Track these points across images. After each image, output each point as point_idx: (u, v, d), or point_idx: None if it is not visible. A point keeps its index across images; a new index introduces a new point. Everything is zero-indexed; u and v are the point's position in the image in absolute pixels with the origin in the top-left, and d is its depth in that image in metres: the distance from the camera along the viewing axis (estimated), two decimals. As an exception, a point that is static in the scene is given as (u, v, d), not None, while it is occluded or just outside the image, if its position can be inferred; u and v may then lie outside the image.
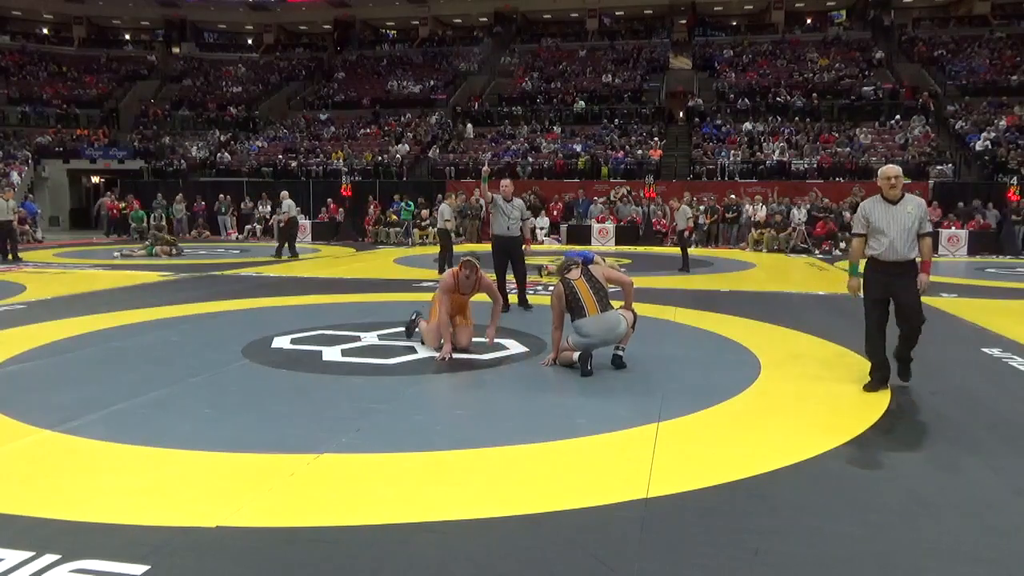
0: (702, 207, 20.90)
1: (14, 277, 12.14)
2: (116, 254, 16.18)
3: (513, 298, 8.90)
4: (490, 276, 7.20)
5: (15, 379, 5.50)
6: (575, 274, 5.86)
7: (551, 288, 6.09)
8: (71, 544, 2.86)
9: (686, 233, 13.90)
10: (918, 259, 5.17)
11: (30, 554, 2.78)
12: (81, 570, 2.68)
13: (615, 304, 5.89)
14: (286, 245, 16.25)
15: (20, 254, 15.22)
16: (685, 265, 13.50)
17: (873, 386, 5.26)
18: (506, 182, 9.01)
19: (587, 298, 5.71)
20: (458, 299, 6.54)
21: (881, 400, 4.95)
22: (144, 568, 2.69)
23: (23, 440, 4.11)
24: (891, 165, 5.39)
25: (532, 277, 12.19)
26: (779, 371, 5.76)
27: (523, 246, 8.87)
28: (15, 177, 26.09)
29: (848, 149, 23.37)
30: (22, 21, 38.70)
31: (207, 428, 4.32)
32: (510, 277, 8.79)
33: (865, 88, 26.75)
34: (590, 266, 6.05)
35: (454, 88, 32.49)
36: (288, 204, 16.38)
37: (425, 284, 11.06)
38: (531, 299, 8.99)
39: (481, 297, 6.69)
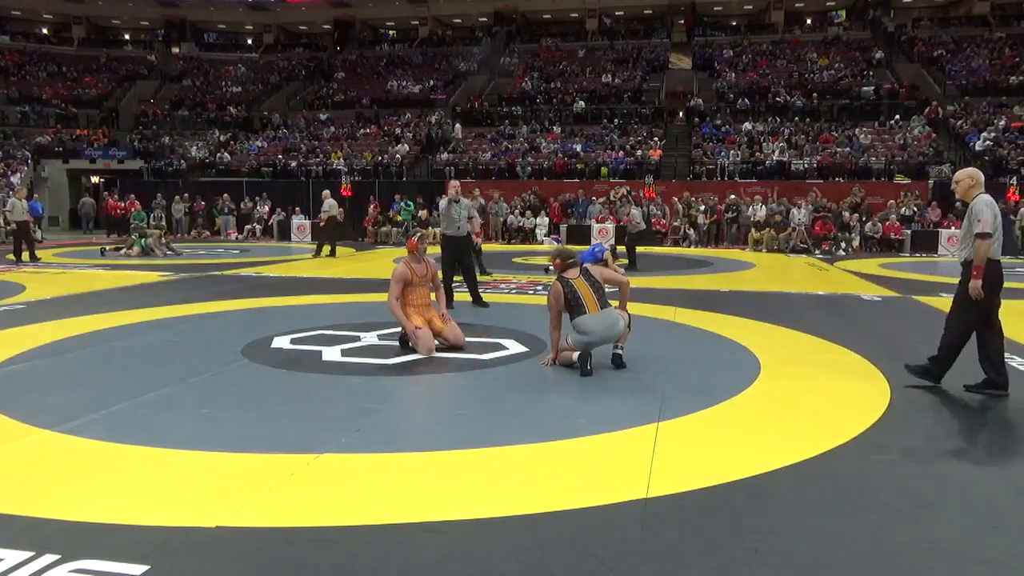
0: (703, 207, 20.93)
1: (14, 277, 12.14)
2: (124, 250, 16.26)
3: (462, 295, 8.99)
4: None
5: (15, 379, 5.50)
6: (574, 273, 5.86)
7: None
8: (71, 544, 2.86)
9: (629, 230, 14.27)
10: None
11: (30, 554, 2.78)
12: (81, 570, 2.68)
13: (611, 304, 5.90)
14: (326, 245, 16.51)
15: (22, 255, 15.21)
16: (632, 263, 13.83)
17: (974, 387, 5.16)
18: (453, 183, 9.20)
19: (587, 296, 5.71)
20: (418, 292, 6.59)
21: (881, 400, 4.95)
22: (144, 568, 2.69)
23: (23, 440, 4.11)
24: (961, 170, 5.42)
25: (533, 277, 12.21)
26: (779, 371, 5.76)
27: (475, 238, 9.31)
28: (15, 178, 26.10)
29: (848, 149, 23.38)
30: (22, 21, 38.71)
31: (207, 428, 4.32)
32: (458, 278, 8.92)
33: (865, 88, 26.76)
34: (587, 265, 6.06)
35: (454, 88, 32.50)
36: (329, 204, 16.48)
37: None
38: (532, 299, 8.97)
39: (463, 296, 6.70)
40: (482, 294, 9.08)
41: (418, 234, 6.89)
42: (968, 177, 5.15)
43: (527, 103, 29.71)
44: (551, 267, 6.32)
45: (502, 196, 22.51)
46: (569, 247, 6.67)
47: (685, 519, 3.15)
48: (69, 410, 4.60)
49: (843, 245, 18.78)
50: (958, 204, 19.57)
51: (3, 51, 35.36)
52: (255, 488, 3.43)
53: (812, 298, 10.20)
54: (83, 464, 3.76)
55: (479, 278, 9.44)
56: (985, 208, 4.92)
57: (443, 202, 9.04)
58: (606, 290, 5.88)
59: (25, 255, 14.87)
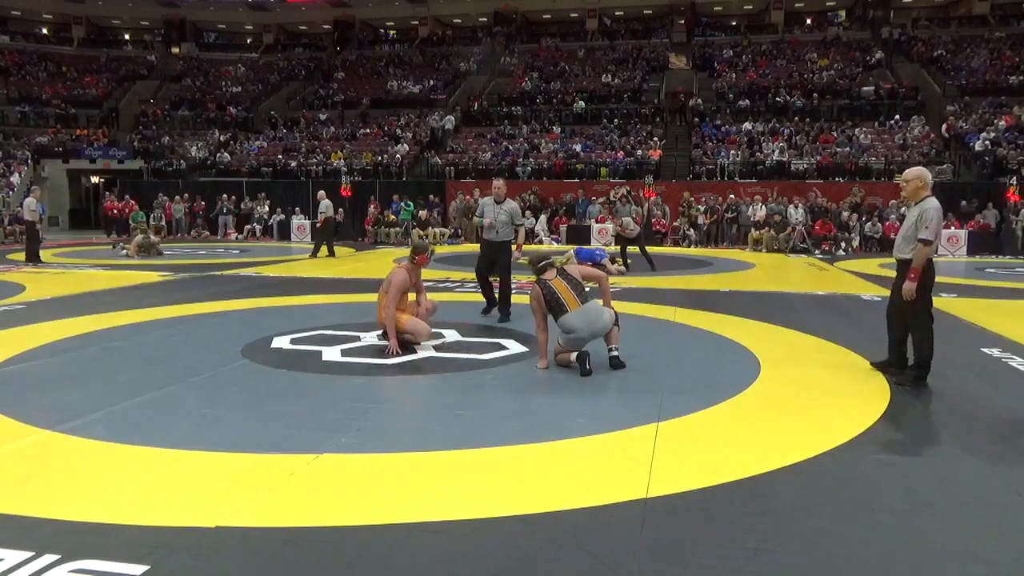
0: (702, 207, 20.93)
1: (14, 277, 12.14)
2: (126, 251, 16.37)
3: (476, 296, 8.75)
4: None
5: (15, 379, 5.50)
6: (551, 274, 5.88)
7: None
8: (70, 544, 2.86)
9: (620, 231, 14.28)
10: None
11: (29, 554, 2.78)
12: (80, 570, 2.68)
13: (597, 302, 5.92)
14: (323, 245, 16.51)
15: (17, 255, 15.19)
16: (627, 263, 13.85)
17: (879, 365, 5.71)
18: (498, 183, 8.33)
19: (566, 295, 5.73)
20: (406, 296, 6.75)
21: (881, 400, 4.96)
22: (144, 568, 2.69)
23: (23, 440, 4.11)
24: (908, 169, 5.72)
25: (533, 277, 12.18)
26: (779, 371, 5.77)
27: (513, 249, 8.17)
28: (15, 178, 26.09)
29: (848, 149, 23.38)
30: (22, 21, 38.68)
31: (207, 428, 4.32)
32: (493, 280, 8.37)
33: (864, 88, 26.76)
34: (563, 265, 6.08)
35: (454, 88, 32.50)
36: (326, 204, 16.52)
37: (425, 284, 11.03)
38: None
39: (462, 297, 6.70)
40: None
41: (430, 249, 6.99)
42: (917, 178, 5.42)
43: (527, 103, 29.70)
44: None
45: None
46: (544, 249, 6.58)
47: (685, 519, 3.15)
48: (69, 410, 4.60)
49: (843, 245, 18.78)
50: (968, 203, 19.59)
51: (3, 51, 35.33)
52: (255, 488, 3.43)
53: (812, 298, 10.20)
54: (83, 464, 3.77)
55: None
56: (935, 215, 5.24)
57: (484, 201, 8.37)
58: (586, 287, 5.89)
59: (22, 255, 14.85)
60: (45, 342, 6.75)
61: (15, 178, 26.31)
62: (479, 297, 8.80)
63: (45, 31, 39.80)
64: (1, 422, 4.41)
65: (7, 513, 3.15)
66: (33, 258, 14.45)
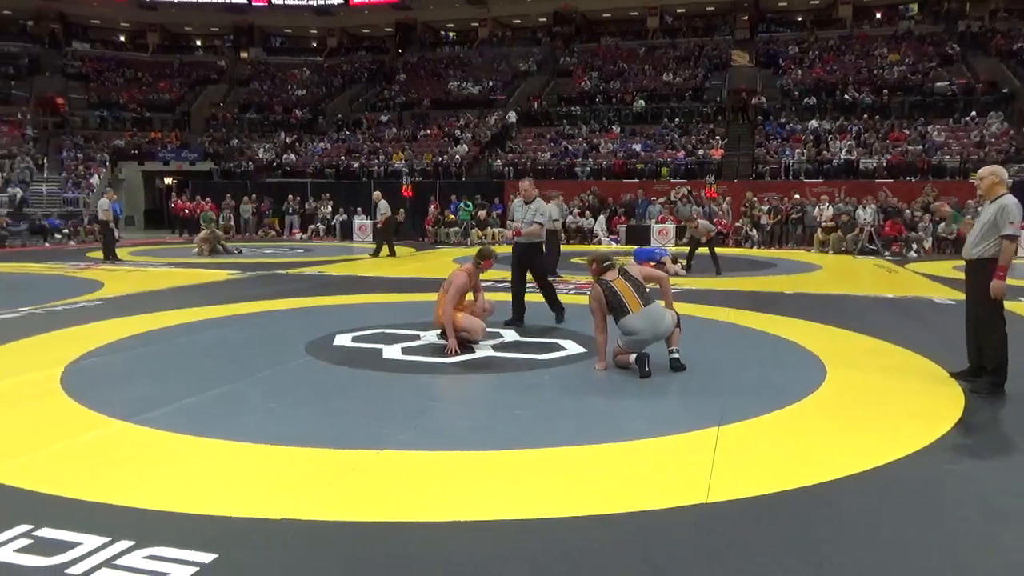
0: (765, 207, 20.49)
1: (92, 274, 12.69)
2: (197, 250, 16.96)
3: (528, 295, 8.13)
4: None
5: (93, 372, 5.75)
6: (612, 275, 5.81)
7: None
8: (144, 531, 2.98)
9: (704, 240, 13.98)
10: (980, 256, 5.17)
11: (106, 539, 2.90)
12: (153, 556, 2.79)
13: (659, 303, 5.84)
14: (384, 245, 16.80)
15: (96, 254, 15.87)
16: (691, 264, 13.68)
17: (959, 375, 5.44)
18: (524, 183, 8.05)
19: (628, 296, 5.65)
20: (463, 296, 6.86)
21: (954, 407, 4.77)
22: (212, 556, 2.78)
23: (99, 430, 4.30)
24: (984, 167, 5.52)
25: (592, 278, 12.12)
26: (845, 375, 5.60)
27: (511, 233, 7.80)
28: (95, 179, 27.31)
29: (920, 147, 22.55)
30: (100, 29, 40.46)
31: (272, 422, 4.44)
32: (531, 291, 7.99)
33: (938, 84, 25.76)
34: (625, 266, 6.02)
35: (513, 88, 32.59)
36: (384, 205, 16.80)
37: (483, 284, 11.08)
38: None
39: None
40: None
41: (495, 254, 7.13)
42: (992, 174, 5.27)
43: (586, 103, 29.59)
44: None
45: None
46: (605, 250, 6.41)
47: (746, 525, 3.09)
48: (143, 402, 4.78)
49: (914, 247, 18.12)
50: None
51: (84, 58, 36.99)
52: (318, 482, 3.51)
53: (881, 301, 9.88)
54: (156, 454, 3.91)
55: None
56: (1018, 210, 5.05)
57: (515, 203, 8.23)
58: (647, 289, 5.81)
59: (100, 253, 15.50)
60: (120, 337, 7.03)
61: (94, 179, 27.55)
62: (536, 297, 8.23)
63: (122, 38, 41.53)
64: (80, 413, 4.62)
65: (85, 499, 3.30)
66: (110, 256, 15.09)
